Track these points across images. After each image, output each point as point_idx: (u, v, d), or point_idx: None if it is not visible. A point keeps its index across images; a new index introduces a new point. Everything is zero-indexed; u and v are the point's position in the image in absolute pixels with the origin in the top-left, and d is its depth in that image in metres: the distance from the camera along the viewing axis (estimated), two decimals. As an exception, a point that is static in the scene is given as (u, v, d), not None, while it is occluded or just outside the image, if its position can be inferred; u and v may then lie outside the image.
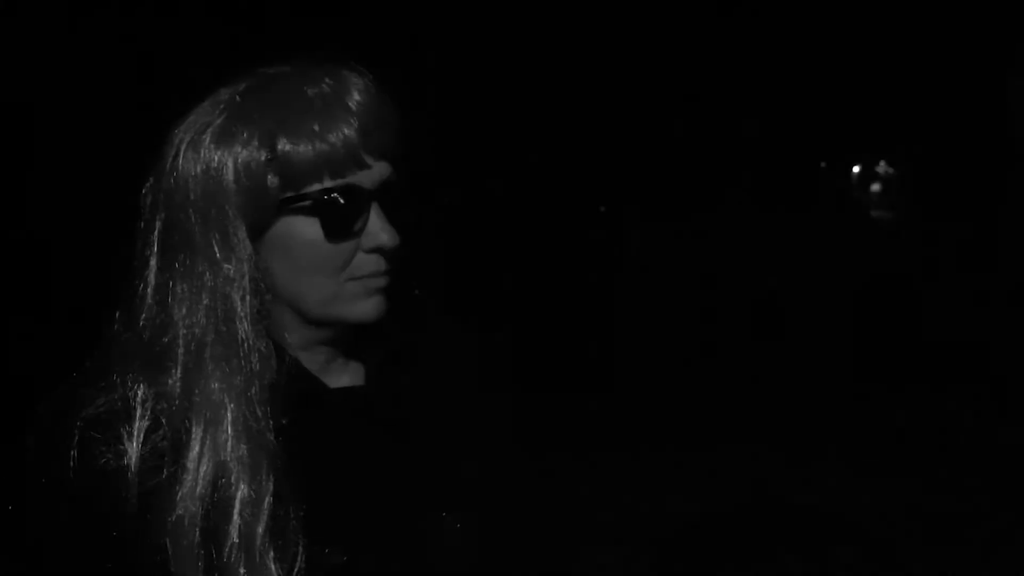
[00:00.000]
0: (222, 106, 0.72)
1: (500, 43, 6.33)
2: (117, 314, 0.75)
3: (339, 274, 0.73)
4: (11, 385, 3.30)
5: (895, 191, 12.00)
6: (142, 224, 0.74)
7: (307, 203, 0.71)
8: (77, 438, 0.72)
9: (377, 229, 0.73)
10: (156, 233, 0.73)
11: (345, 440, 0.77)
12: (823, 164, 8.95)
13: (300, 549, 0.72)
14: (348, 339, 0.79)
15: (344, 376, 0.81)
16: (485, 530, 0.82)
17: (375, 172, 0.72)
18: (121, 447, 0.72)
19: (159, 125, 0.76)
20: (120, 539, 0.72)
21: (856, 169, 11.64)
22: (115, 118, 4.85)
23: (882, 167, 12.29)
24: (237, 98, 0.71)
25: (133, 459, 0.71)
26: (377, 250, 0.73)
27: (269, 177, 0.70)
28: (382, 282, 0.75)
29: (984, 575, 2.99)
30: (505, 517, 0.86)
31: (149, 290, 0.73)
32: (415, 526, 0.79)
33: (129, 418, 0.72)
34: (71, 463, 0.72)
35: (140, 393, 0.72)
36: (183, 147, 0.72)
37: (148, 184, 0.74)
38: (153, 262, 0.73)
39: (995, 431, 4.35)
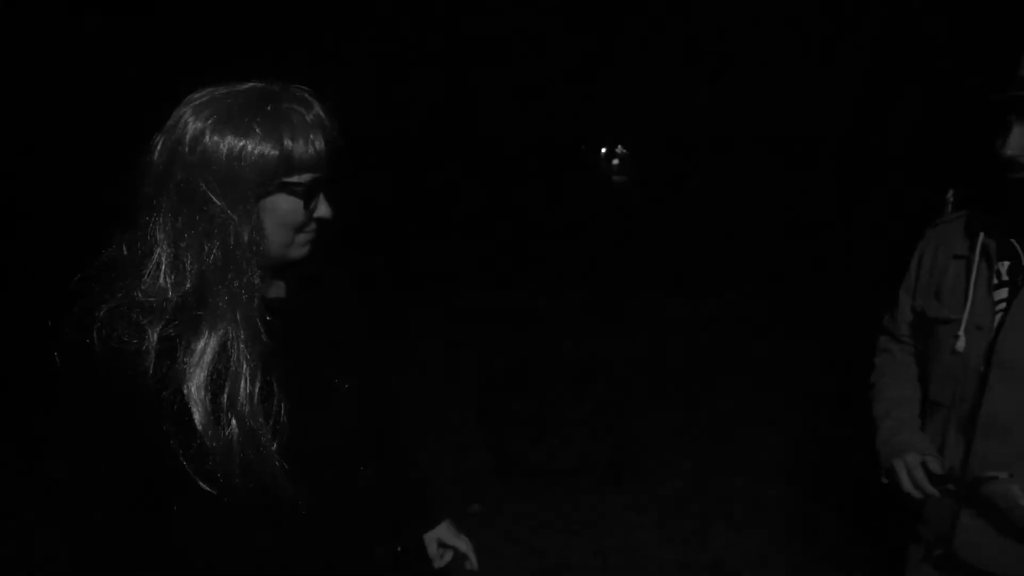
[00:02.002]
0: (238, 109, 0.96)
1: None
2: (124, 238, 0.99)
3: (296, 230, 1.04)
4: None
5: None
6: (154, 177, 0.96)
7: (299, 188, 1.00)
8: (99, 324, 0.93)
9: (324, 206, 1.06)
10: (172, 187, 0.96)
11: (282, 331, 1.05)
12: (583, 147, 11.73)
13: (281, 407, 1.01)
14: (279, 267, 1.08)
15: (272, 289, 1.10)
16: (364, 388, 1.18)
17: (328, 169, 1.04)
18: (142, 331, 0.95)
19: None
20: (138, 412, 0.95)
21: (604, 150, 15.10)
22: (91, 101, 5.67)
23: (619, 148, 15.83)
24: (269, 107, 0.96)
25: (153, 340, 0.94)
26: (320, 218, 1.07)
27: (276, 166, 0.97)
28: (314, 236, 1.08)
29: None
30: (378, 380, 1.28)
31: (166, 226, 0.97)
32: (323, 387, 1.12)
33: (150, 311, 0.95)
34: (95, 343, 0.93)
35: (159, 294, 0.96)
36: (207, 131, 0.95)
37: (161, 148, 0.96)
38: (166, 205, 0.96)
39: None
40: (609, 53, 8.63)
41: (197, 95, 0.99)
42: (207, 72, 1.06)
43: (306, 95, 1.03)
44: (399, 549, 1.27)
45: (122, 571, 1.02)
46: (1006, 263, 1.41)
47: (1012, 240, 1.40)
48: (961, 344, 1.42)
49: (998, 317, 1.40)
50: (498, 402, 4.19)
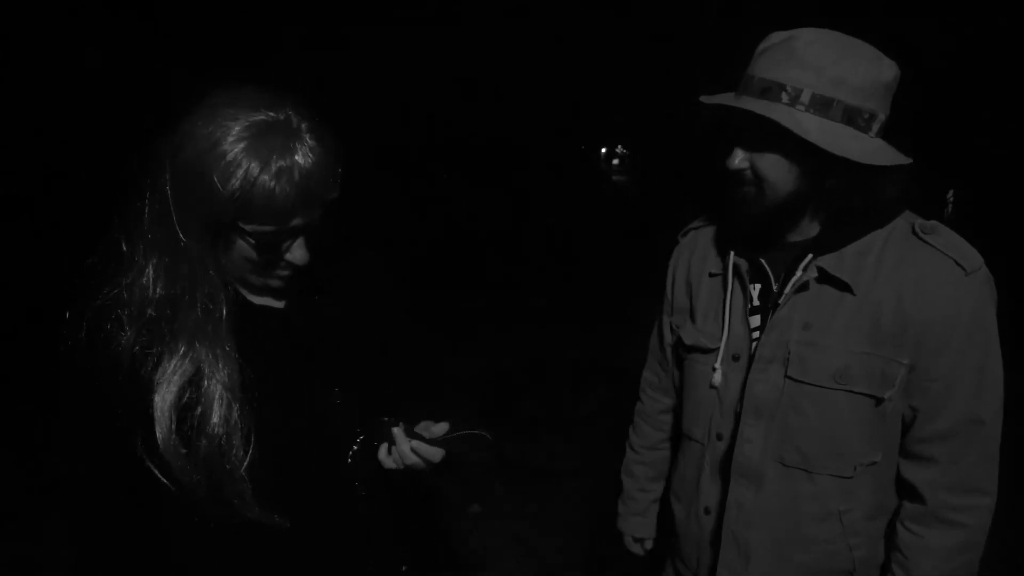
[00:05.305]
0: (217, 138, 0.89)
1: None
2: (117, 239, 0.98)
3: (262, 270, 0.99)
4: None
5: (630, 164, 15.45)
6: (139, 186, 0.95)
7: (253, 238, 0.93)
8: (88, 322, 0.96)
9: (299, 251, 0.98)
10: (151, 198, 0.94)
11: (268, 345, 1.03)
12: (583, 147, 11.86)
13: (253, 427, 0.98)
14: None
15: (268, 297, 1.07)
16: (362, 402, 1.11)
17: (313, 214, 0.95)
18: (124, 330, 0.96)
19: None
20: (117, 410, 0.95)
21: (604, 150, 15.07)
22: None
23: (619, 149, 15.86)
24: (243, 145, 0.89)
25: (132, 340, 0.95)
26: (291, 263, 0.99)
27: (224, 211, 0.90)
28: (291, 274, 1.01)
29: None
30: (378, 392, 1.12)
31: (145, 236, 0.96)
32: (308, 404, 1.06)
33: (132, 313, 0.97)
34: (84, 341, 0.95)
35: (140, 296, 0.97)
36: (179, 151, 0.91)
37: (151, 155, 0.94)
38: (148, 216, 0.95)
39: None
40: (609, 52, 8.66)
41: (199, 106, 0.94)
42: (209, 72, 1.05)
43: (304, 135, 0.92)
44: (404, 569, 1.22)
45: (112, 567, 1.02)
46: (758, 286, 1.28)
47: (761, 261, 1.27)
48: (718, 378, 1.30)
49: (753, 347, 1.26)
50: (498, 402, 4.18)
